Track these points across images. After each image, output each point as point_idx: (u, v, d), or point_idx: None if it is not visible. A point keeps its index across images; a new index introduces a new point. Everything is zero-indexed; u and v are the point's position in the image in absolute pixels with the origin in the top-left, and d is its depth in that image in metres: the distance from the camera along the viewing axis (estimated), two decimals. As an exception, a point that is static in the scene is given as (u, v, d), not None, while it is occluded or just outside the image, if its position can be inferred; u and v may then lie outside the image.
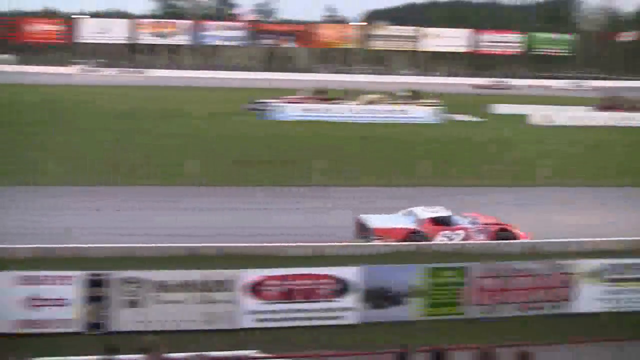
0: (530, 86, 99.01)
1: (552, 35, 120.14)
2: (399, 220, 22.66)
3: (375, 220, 22.33)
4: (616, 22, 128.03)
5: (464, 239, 22.20)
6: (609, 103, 61.67)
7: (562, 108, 62.01)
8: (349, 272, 16.18)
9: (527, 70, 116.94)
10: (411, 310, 16.33)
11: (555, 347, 13.94)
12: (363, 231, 22.20)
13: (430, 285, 16.44)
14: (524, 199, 28.53)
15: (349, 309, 16.08)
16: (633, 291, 17.57)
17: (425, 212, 22.59)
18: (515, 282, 16.91)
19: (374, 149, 39.88)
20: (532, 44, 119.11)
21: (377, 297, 16.18)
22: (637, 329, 15.13)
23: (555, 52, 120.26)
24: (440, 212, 22.82)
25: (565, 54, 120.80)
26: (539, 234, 22.74)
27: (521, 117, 56.38)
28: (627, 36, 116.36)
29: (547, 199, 28.91)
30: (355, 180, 30.62)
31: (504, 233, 22.50)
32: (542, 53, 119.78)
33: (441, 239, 22.06)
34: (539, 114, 56.95)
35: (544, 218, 25.35)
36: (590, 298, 17.24)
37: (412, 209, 22.96)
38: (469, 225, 22.61)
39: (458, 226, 22.46)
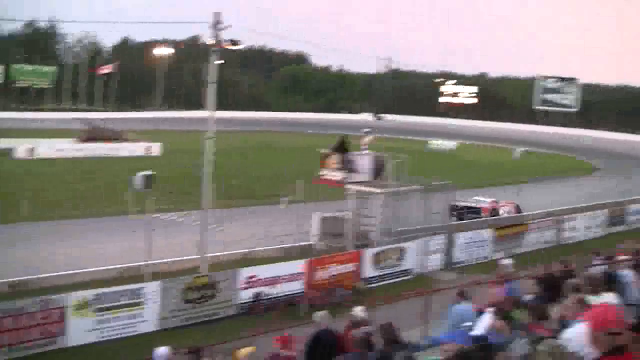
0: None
1: (33, 67, 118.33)
2: (485, 202, 33.43)
3: (472, 203, 33.12)
4: (97, 55, 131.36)
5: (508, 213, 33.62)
6: (92, 135, 62.53)
7: (46, 141, 61.01)
8: None
9: (11, 102, 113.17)
10: None
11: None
12: (455, 210, 31.72)
13: None
14: (8, 237, 27.24)
15: None
16: (123, 317, 17.98)
17: (487, 199, 33.56)
18: (1, 324, 16.02)
19: None
20: (12, 76, 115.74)
21: None
22: (132, 354, 15.47)
23: (37, 84, 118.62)
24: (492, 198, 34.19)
25: (48, 86, 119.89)
26: (30, 271, 21.98)
27: (5, 152, 54.01)
28: (106, 69, 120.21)
29: (37, 233, 28.09)
30: None
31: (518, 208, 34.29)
32: (24, 85, 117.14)
33: (502, 213, 33.29)
34: (23, 148, 55.32)
35: (34, 255, 24.56)
36: (82, 330, 17.16)
37: (476, 197, 33.48)
38: (506, 204, 34.31)
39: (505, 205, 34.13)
